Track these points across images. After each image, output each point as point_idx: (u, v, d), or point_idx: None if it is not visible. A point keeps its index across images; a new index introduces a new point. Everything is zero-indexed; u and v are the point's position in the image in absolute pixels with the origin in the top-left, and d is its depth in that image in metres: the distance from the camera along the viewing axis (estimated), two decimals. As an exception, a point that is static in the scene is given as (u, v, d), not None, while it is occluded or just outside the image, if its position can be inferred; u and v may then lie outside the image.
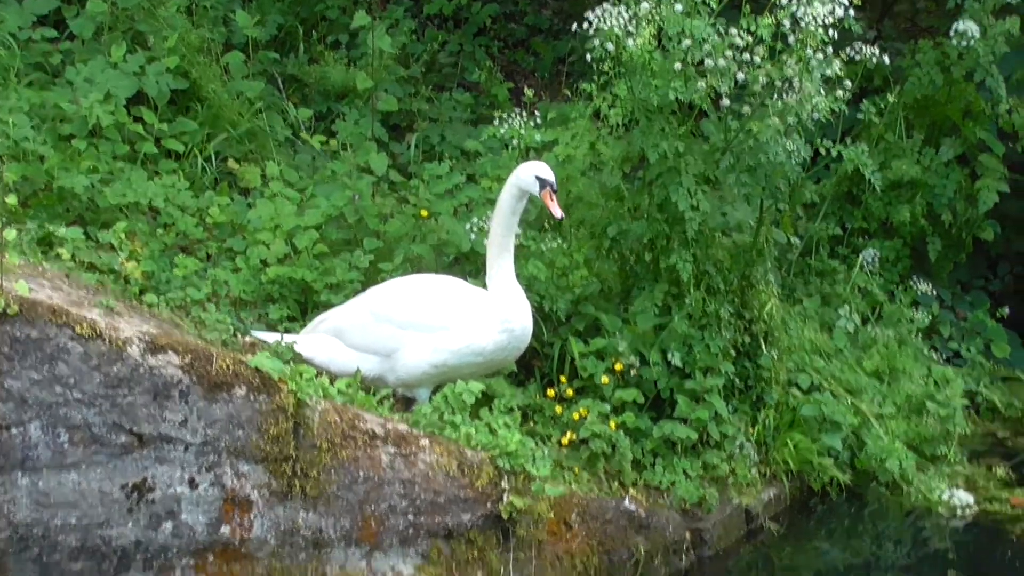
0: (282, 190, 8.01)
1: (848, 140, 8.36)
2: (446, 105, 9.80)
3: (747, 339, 7.56)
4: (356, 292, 7.02)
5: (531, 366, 7.30)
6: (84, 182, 7.46)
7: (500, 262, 6.66)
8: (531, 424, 6.90)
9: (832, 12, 6.96)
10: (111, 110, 7.98)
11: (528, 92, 9.16)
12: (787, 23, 6.93)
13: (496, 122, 8.15)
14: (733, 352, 7.46)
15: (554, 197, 6.63)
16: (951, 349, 9.44)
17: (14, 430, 5.51)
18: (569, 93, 9.16)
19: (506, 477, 6.39)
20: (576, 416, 6.88)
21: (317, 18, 9.95)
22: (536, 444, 6.59)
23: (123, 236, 7.12)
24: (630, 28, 7.03)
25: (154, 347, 5.77)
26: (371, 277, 7.32)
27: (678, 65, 6.96)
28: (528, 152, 7.88)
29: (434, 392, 6.73)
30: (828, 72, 7.10)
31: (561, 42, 10.15)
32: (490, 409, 6.65)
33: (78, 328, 5.61)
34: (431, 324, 6.67)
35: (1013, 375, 9.53)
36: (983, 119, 9.49)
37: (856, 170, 8.16)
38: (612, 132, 7.57)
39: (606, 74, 7.21)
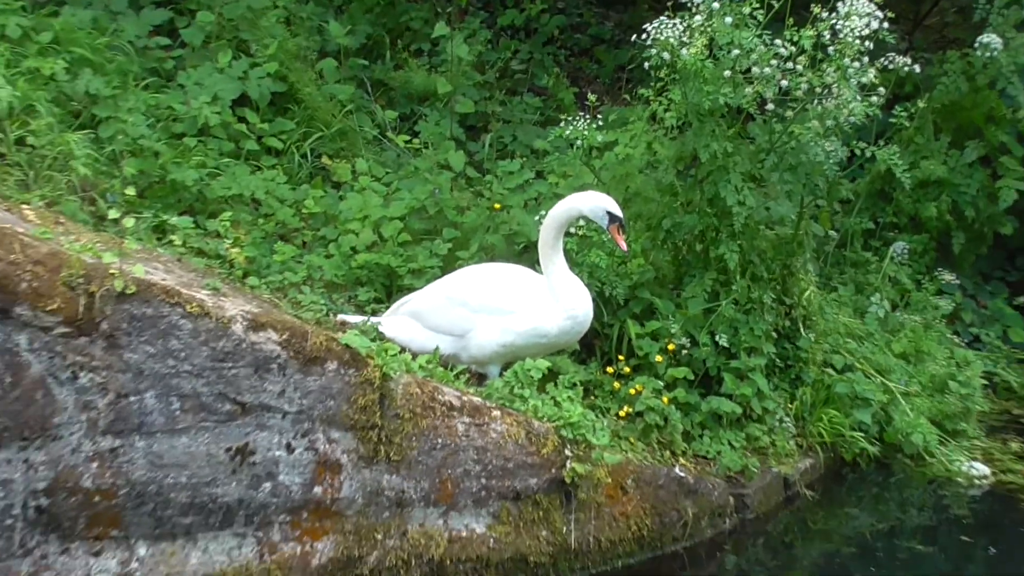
0: (370, 184, 8.25)
1: (881, 142, 8.58)
2: (517, 108, 10.02)
3: (787, 323, 7.90)
4: (435, 277, 7.25)
5: (592, 345, 7.50)
6: (194, 176, 7.75)
7: (554, 260, 6.95)
8: (591, 398, 7.11)
9: (868, 25, 7.25)
10: (218, 111, 8.32)
11: (591, 96, 9.28)
12: (827, 35, 7.23)
13: (562, 124, 8.33)
14: (775, 335, 7.79)
15: (622, 231, 6.90)
16: (972, 334, 9.89)
17: (132, 398, 5.74)
18: (628, 98, 9.31)
19: (569, 446, 6.62)
20: (632, 391, 7.14)
21: (402, 28, 10.14)
22: (596, 416, 6.81)
23: (228, 225, 7.40)
24: (684, 39, 7.38)
25: (255, 325, 5.99)
26: (449, 264, 7.56)
27: (727, 73, 7.27)
28: (591, 151, 8.12)
29: (504, 369, 6.93)
30: (864, 80, 7.37)
31: (622, 51, 10.25)
32: (555, 384, 6.93)
33: (188, 307, 5.82)
34: (501, 308, 6.85)
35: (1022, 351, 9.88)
36: (1004, 124, 9.84)
37: (888, 170, 8.51)
38: (667, 133, 7.87)
39: (662, 80, 7.60)
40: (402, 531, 6.45)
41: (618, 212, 6.82)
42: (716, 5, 7.43)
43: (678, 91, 7.55)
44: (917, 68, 7.94)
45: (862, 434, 8.08)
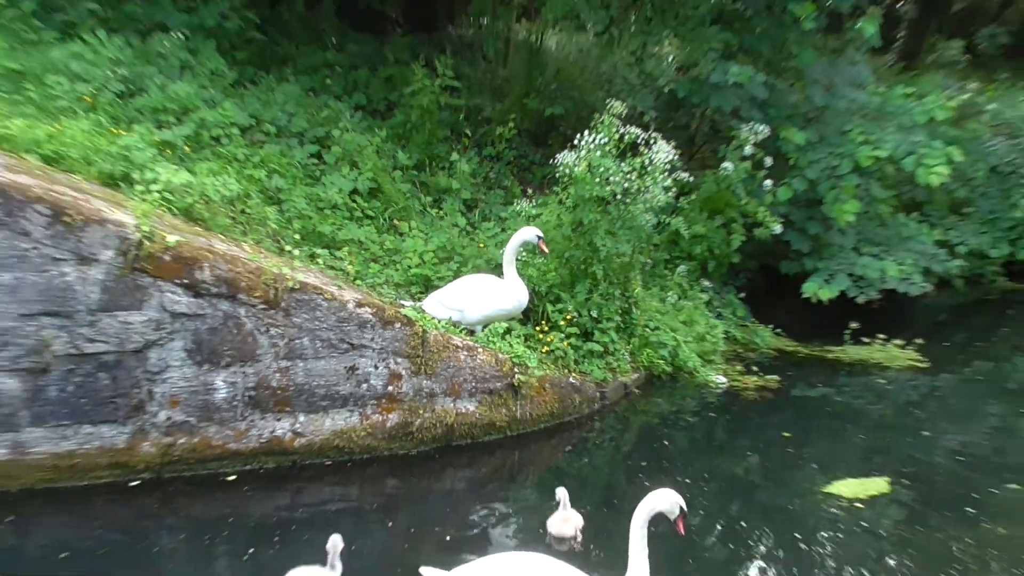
0: (417, 234, 8.70)
1: (673, 215, 9.62)
2: (492, 195, 10.23)
3: (626, 305, 8.72)
4: (450, 281, 7.82)
5: (528, 316, 8.16)
6: (329, 229, 8.28)
7: (510, 270, 7.47)
8: (528, 342, 7.85)
9: (667, 157, 8.30)
10: (343, 198, 8.80)
11: (529, 191, 10.40)
12: (647, 161, 8.32)
13: (515, 204, 9.07)
14: (620, 311, 8.61)
15: (543, 243, 7.64)
16: (717, 311, 10.46)
17: (295, 341, 6.60)
18: (548, 191, 9.60)
19: (516, 366, 7.45)
20: (548, 339, 7.99)
21: (435, 155, 10.24)
22: (530, 351, 7.66)
23: (346, 254, 8.03)
24: (576, 162, 8.26)
25: (359, 304, 6.78)
26: (458, 274, 8.14)
27: (598, 179, 8.15)
28: (529, 219, 8.65)
29: (484, 328, 7.70)
30: (664, 184, 8.43)
31: (547, 167, 9.82)
32: (509, 335, 7.78)
33: (325, 295, 6.64)
34: (482, 296, 7.43)
35: (745, 324, 10.73)
36: (733, 207, 10.57)
37: (676, 230, 9.60)
38: (568, 209, 8.41)
39: (565, 183, 8.46)
40: (432, 409, 7.12)
41: (540, 234, 7.53)
42: (592, 146, 8.19)
43: (573, 188, 8.28)
44: (691, 178, 8.96)
45: (663, 361, 8.93)
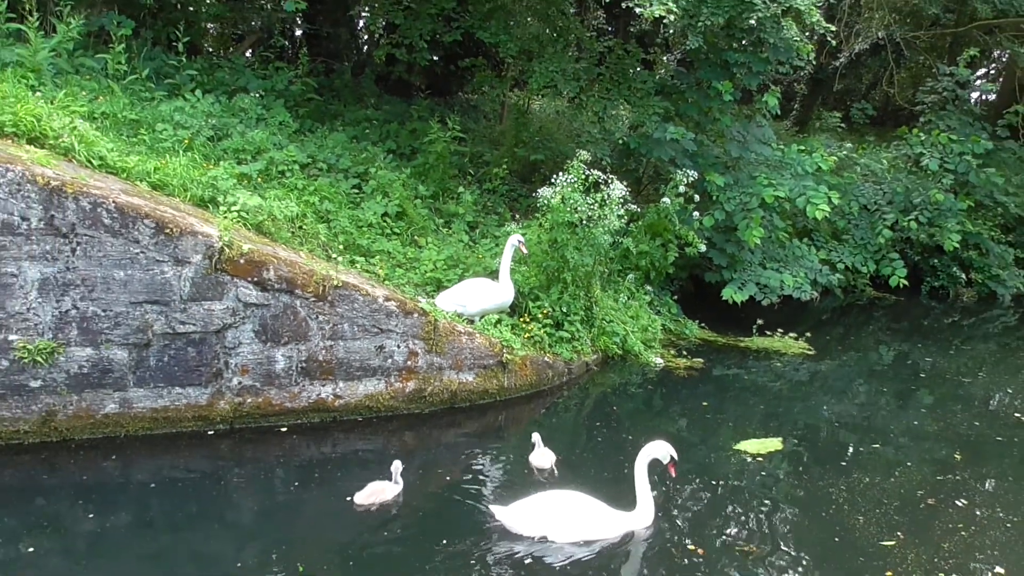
0: (432, 247, 8.60)
1: (624, 236, 9.51)
2: (489, 219, 10.12)
3: (589, 303, 8.60)
4: (456, 283, 7.85)
5: (514, 309, 8.13)
6: (365, 242, 8.22)
7: (504, 274, 7.59)
8: (514, 330, 7.82)
9: (621, 193, 8.39)
10: (376, 219, 8.70)
11: (517, 216, 10.23)
12: (607, 196, 8.41)
13: (506, 225, 9.27)
14: (584, 308, 8.52)
15: (524, 246, 7.79)
16: (656, 309, 10.21)
17: (338, 325, 6.59)
18: (532, 216, 9.60)
19: (505, 348, 7.41)
20: (530, 328, 7.99)
21: (447, 187, 10.14)
22: (516, 337, 7.69)
23: (378, 261, 7.98)
24: (553, 195, 8.35)
25: (387, 298, 6.82)
26: (462, 278, 8.06)
27: (569, 209, 8.29)
28: (520, 235, 8.20)
29: (481, 318, 7.65)
30: (619, 213, 8.48)
31: (531, 199, 9.75)
32: (500, 324, 7.73)
33: (361, 291, 6.67)
34: (479, 294, 7.51)
35: (677, 319, 10.43)
36: (671, 231, 10.25)
37: (627, 247, 9.57)
38: (546, 230, 8.42)
39: (545, 210, 8.49)
40: (440, 379, 7.09)
41: (521, 239, 7.72)
42: (565, 183, 8.25)
43: (550, 215, 8.35)
44: (639, 209, 9.07)
45: (615, 346, 8.76)
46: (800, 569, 4.77)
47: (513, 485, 5.76)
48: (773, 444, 6.62)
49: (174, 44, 9.84)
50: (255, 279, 6.17)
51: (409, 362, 6.84)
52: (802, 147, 12.30)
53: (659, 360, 8.84)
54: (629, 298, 9.41)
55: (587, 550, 4.88)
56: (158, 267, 5.90)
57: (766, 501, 5.67)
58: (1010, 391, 8.96)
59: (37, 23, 7.82)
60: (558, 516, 4.90)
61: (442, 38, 11.86)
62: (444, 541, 4.89)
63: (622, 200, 8.37)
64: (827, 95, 21.64)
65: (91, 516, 5.02)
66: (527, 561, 4.75)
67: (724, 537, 5.14)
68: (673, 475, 5.22)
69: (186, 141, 8.06)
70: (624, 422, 7.21)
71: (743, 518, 5.44)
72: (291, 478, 5.70)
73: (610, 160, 10.97)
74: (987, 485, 6.15)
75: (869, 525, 5.37)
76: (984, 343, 11.63)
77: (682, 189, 10.01)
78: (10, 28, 8.09)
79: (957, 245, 13.32)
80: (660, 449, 5.10)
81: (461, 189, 10.06)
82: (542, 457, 6.06)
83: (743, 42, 10.45)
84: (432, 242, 8.65)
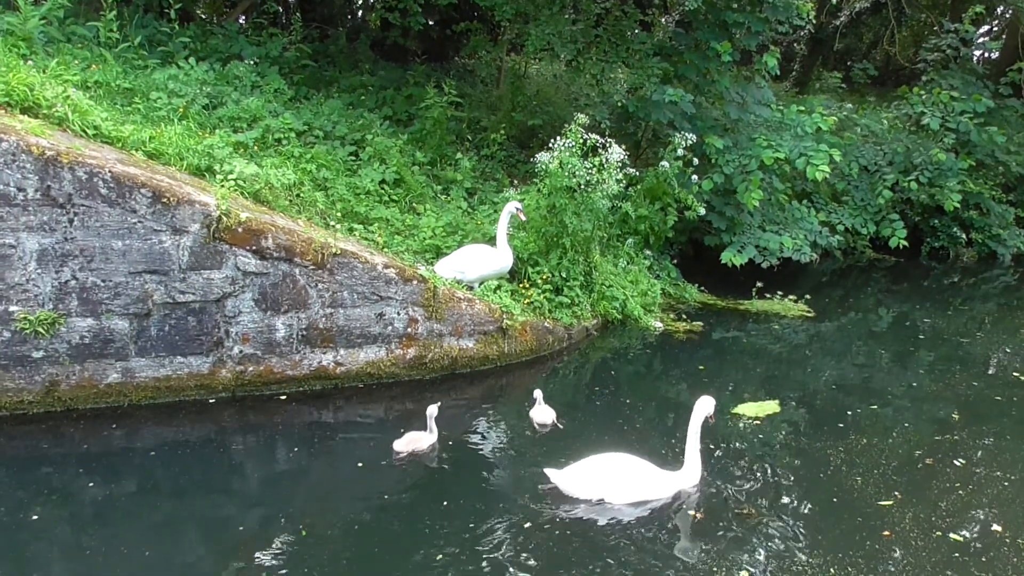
0: (430, 214, 8.58)
1: (623, 201, 9.51)
2: (488, 185, 10.04)
3: (588, 268, 8.59)
4: (455, 250, 7.81)
5: (513, 275, 8.11)
6: (363, 209, 8.17)
7: (502, 240, 7.56)
8: (514, 296, 7.79)
9: (619, 157, 8.40)
10: (374, 186, 8.66)
11: (516, 182, 10.11)
12: (605, 160, 8.44)
13: (505, 191, 9.23)
14: (583, 273, 8.50)
15: (522, 213, 7.75)
16: (656, 273, 10.20)
17: (337, 293, 6.59)
18: (531, 182, 9.47)
19: (505, 313, 7.40)
20: (530, 293, 7.96)
21: (444, 153, 10.09)
22: (515, 302, 7.63)
23: (376, 228, 7.90)
24: (551, 160, 8.35)
25: (386, 265, 6.79)
26: (461, 245, 8.05)
27: (567, 174, 8.25)
28: (518, 202, 8.13)
29: (480, 285, 7.63)
30: (618, 177, 8.56)
31: (529, 164, 9.53)
32: (499, 289, 7.70)
33: (360, 259, 6.64)
34: (478, 261, 7.46)
35: (676, 283, 10.45)
36: (670, 195, 10.26)
37: (626, 212, 9.58)
38: (544, 196, 8.38)
39: (543, 175, 8.46)
40: (440, 346, 7.09)
41: (520, 206, 7.70)
42: (563, 148, 8.28)
43: (548, 180, 8.32)
44: (637, 173, 8.98)
45: (615, 310, 8.79)
46: (798, 530, 4.77)
47: (516, 448, 5.78)
48: (771, 407, 6.64)
49: (166, 11, 9.74)
50: (253, 248, 6.14)
51: (409, 329, 6.84)
52: (802, 108, 12.14)
53: (659, 324, 8.85)
54: (628, 263, 9.42)
55: (601, 511, 4.86)
56: (156, 237, 5.87)
57: (764, 464, 5.66)
58: (1009, 351, 8.95)
59: (26, -10, 7.95)
60: (614, 478, 4.96)
61: (436, 1, 11.72)
62: (445, 503, 4.88)
63: (621, 164, 8.34)
64: (827, 55, 21.33)
65: (95, 484, 5.05)
66: (575, 524, 4.67)
67: (722, 499, 5.13)
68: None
69: (181, 109, 8.02)
70: (624, 386, 7.21)
71: (740, 481, 5.41)
72: (293, 444, 5.72)
73: (608, 124, 10.86)
74: (985, 444, 6.16)
75: (867, 486, 5.37)
76: (984, 303, 11.66)
77: (681, 152, 10.00)
78: (-1, -4, 8.20)
79: (958, 205, 13.30)
80: (710, 405, 5.25)
81: (459, 155, 10.02)
82: (543, 413, 6.11)
83: (742, 1, 10.34)
84: (430, 209, 8.63)
